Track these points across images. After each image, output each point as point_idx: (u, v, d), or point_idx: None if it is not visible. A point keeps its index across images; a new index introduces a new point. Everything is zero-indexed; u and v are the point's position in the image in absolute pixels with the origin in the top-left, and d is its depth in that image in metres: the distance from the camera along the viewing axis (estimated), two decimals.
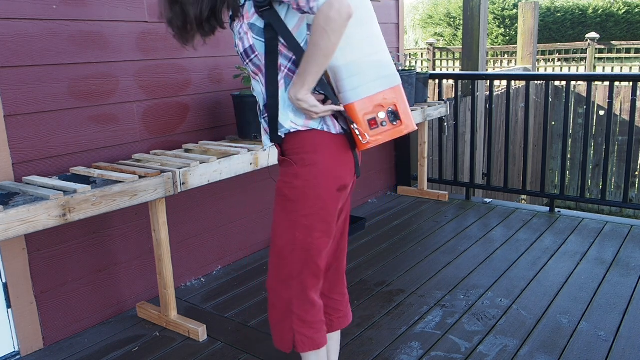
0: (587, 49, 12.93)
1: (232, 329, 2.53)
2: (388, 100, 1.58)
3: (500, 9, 18.41)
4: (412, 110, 3.87)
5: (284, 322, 1.71)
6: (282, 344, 1.74)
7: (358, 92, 1.56)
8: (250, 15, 1.54)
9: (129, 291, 2.75)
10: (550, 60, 13.63)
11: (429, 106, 4.14)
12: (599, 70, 12.83)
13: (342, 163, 1.62)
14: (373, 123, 1.58)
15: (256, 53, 1.56)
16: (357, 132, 1.57)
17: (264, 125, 1.65)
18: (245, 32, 1.55)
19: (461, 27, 9.15)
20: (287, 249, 1.65)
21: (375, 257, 3.30)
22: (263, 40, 1.54)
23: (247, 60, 1.59)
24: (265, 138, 1.66)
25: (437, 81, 4.64)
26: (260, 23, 1.53)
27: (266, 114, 1.62)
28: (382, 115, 1.58)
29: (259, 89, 1.63)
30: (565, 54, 13.45)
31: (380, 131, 1.58)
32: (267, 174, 3.30)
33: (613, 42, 13.49)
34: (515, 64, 8.71)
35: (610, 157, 7.95)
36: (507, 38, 18.19)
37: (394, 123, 1.58)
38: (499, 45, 17.48)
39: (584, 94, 5.34)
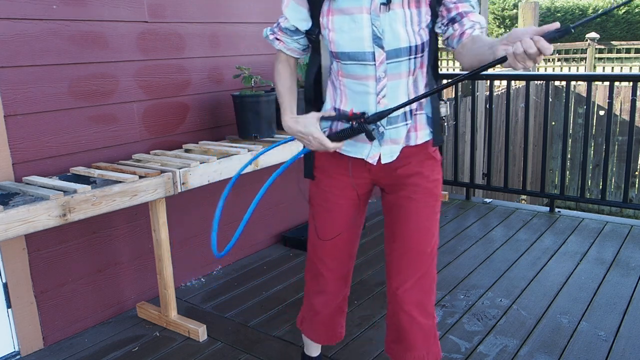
0: (587, 49, 12.93)
1: (232, 329, 2.53)
2: None
3: (500, 9, 18.43)
4: None
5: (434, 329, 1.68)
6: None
7: None
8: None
9: (129, 291, 2.75)
10: (550, 60, 13.62)
11: None
12: (599, 70, 12.83)
13: None
14: None
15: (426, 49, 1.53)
16: None
17: (419, 121, 1.59)
18: (424, 28, 1.49)
19: None
20: (434, 253, 1.66)
21: (375, 257, 3.30)
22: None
23: (418, 55, 1.51)
24: (413, 136, 1.58)
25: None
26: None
27: (421, 111, 1.59)
28: None
29: (411, 84, 1.54)
30: (565, 54, 13.45)
31: None
32: (268, 175, 3.29)
33: (613, 42, 13.51)
34: None
35: (610, 157, 7.95)
36: None
37: None
38: None
39: (584, 94, 5.34)
